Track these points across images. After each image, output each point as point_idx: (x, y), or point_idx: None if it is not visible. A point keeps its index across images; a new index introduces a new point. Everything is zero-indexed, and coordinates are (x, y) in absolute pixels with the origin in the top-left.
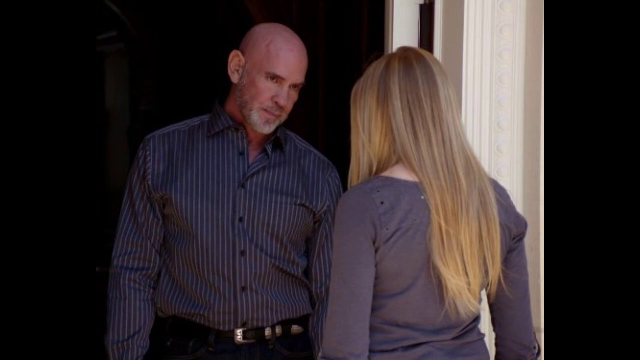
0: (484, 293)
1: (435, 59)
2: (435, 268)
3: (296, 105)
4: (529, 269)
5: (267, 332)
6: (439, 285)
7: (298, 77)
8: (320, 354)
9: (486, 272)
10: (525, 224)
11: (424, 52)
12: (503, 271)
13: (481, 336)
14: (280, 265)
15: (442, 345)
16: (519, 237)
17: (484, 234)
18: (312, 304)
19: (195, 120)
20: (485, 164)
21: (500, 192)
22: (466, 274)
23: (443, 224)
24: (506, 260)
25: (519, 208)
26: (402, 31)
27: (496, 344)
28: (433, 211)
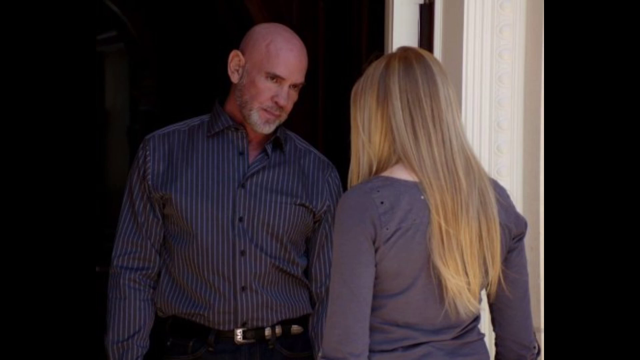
0: (484, 293)
1: (435, 59)
2: (435, 268)
3: (296, 105)
4: (529, 269)
5: (267, 332)
6: (439, 285)
7: (298, 77)
8: (320, 354)
9: (486, 272)
10: (526, 224)
11: (424, 52)
12: (503, 271)
13: (481, 336)
14: (280, 265)
15: (442, 345)
16: (519, 237)
17: (484, 234)
18: (312, 304)
19: (195, 120)
20: (485, 164)
21: (500, 192)
22: (466, 274)
23: (443, 224)
24: (506, 260)
25: (519, 208)
26: (402, 31)
27: (496, 344)
28: (433, 211)
